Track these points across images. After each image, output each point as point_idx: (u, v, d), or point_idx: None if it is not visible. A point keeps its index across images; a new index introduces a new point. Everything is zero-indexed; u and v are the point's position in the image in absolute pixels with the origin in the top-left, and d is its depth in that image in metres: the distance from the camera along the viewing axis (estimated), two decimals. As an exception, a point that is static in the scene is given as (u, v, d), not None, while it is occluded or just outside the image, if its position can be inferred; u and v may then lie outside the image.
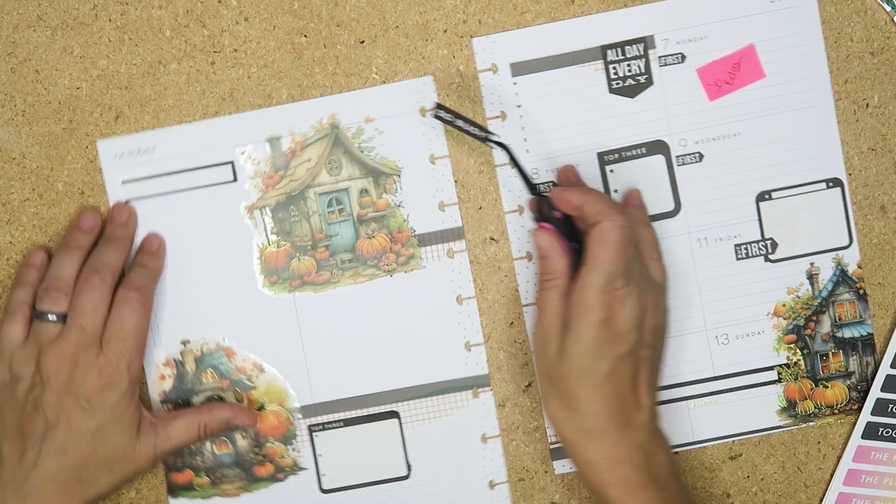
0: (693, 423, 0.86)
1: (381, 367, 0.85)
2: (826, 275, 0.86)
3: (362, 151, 0.84)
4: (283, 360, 0.85)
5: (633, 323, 0.77)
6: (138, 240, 0.84)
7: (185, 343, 0.85)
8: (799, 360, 0.86)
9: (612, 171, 0.85)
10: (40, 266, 0.83)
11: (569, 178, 0.84)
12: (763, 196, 0.85)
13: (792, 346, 0.86)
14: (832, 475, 0.86)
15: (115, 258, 0.82)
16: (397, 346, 0.85)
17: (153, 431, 0.81)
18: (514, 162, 0.81)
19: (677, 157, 0.85)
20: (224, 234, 0.84)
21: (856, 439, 0.86)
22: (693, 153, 0.85)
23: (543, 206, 0.81)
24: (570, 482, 0.86)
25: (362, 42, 0.84)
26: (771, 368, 0.86)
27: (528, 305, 0.85)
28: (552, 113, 0.85)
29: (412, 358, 0.85)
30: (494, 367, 0.86)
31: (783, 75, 0.84)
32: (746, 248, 0.85)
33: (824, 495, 0.87)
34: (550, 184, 0.84)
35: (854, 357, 0.86)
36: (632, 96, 0.85)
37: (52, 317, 0.79)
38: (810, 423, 0.86)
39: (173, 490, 0.86)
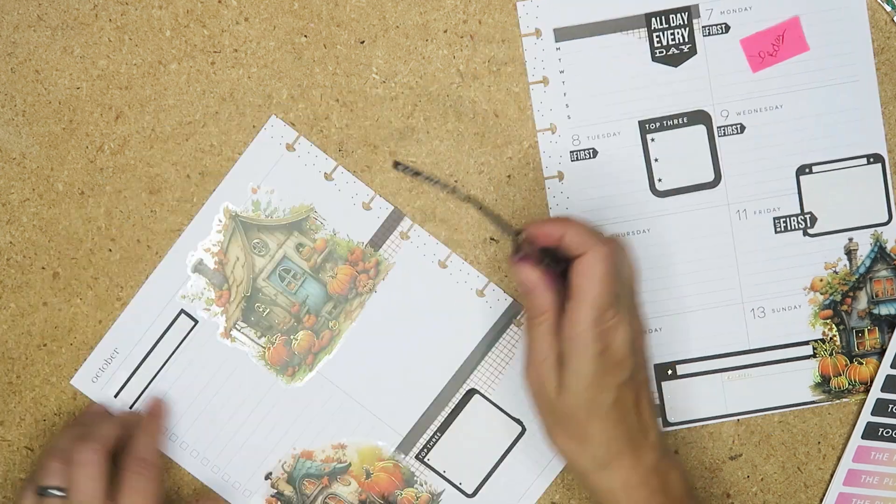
0: (727, 396, 0.86)
1: (428, 365, 0.85)
2: (864, 251, 0.85)
3: (272, 218, 0.84)
4: (351, 425, 0.85)
5: (629, 349, 0.76)
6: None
7: (268, 476, 0.85)
8: (834, 335, 0.85)
9: (653, 139, 0.84)
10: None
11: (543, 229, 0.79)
12: (804, 169, 0.85)
13: (828, 321, 0.85)
14: (832, 475, 0.86)
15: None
16: (427, 338, 0.85)
17: None
18: (485, 212, 0.80)
19: (718, 127, 0.84)
20: (224, 368, 0.85)
21: (856, 439, 0.86)
22: (734, 124, 0.84)
23: (524, 244, 0.78)
24: (570, 482, 0.86)
25: (362, 42, 0.84)
26: (806, 343, 0.85)
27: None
28: (594, 79, 0.84)
29: (444, 337, 0.85)
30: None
31: (827, 49, 0.84)
32: (785, 222, 0.85)
33: (824, 495, 0.86)
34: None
35: (890, 334, 0.85)
36: (675, 65, 0.84)
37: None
38: (843, 399, 0.86)
39: None
